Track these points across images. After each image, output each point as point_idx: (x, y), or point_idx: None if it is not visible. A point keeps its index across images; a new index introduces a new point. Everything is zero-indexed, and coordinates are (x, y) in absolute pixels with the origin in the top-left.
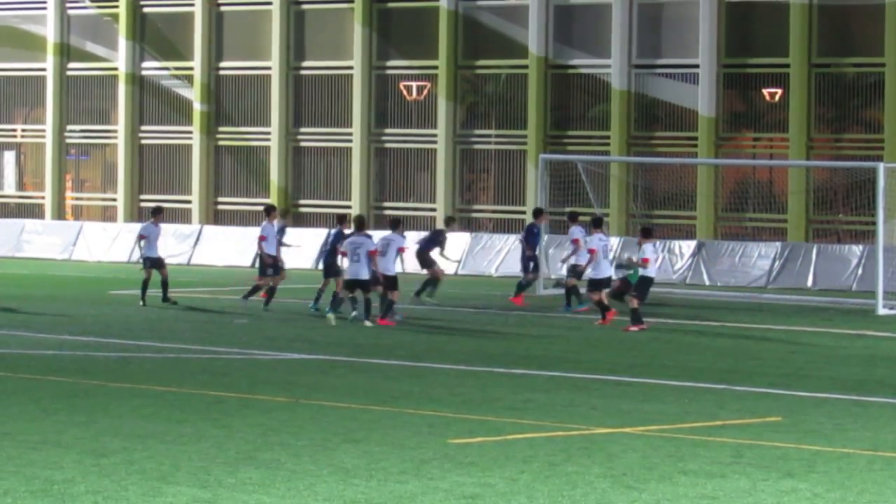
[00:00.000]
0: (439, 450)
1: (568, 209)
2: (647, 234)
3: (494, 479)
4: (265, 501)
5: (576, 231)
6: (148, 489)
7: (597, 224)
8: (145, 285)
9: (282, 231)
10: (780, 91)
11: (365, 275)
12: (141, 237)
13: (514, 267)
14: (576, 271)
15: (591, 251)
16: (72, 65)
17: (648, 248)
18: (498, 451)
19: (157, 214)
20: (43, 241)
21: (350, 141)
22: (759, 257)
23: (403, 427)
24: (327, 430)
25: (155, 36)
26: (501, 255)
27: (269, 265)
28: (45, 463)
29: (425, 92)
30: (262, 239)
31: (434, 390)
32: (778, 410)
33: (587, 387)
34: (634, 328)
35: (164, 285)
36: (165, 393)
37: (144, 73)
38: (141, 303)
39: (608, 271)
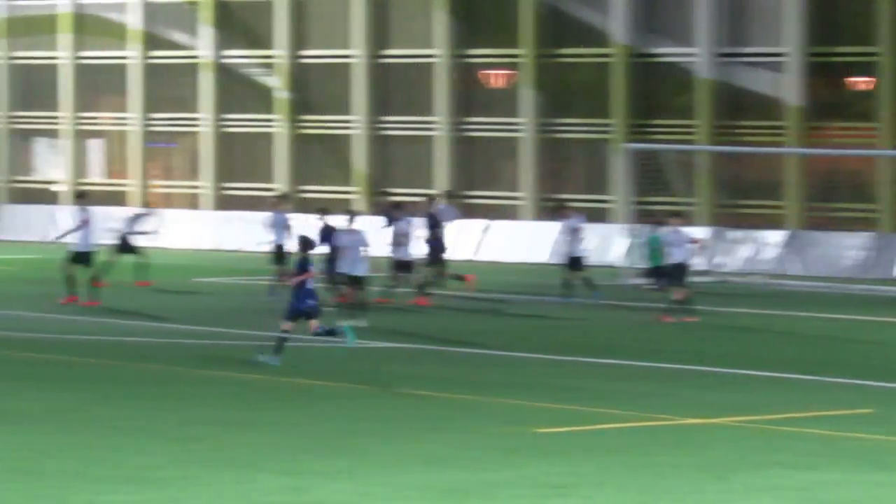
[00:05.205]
0: (527, 439)
1: (653, 199)
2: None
3: (583, 468)
4: (354, 489)
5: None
6: (238, 476)
7: (557, 209)
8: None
9: (138, 219)
10: (869, 79)
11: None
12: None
13: (601, 256)
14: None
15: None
16: (154, 53)
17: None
18: (586, 440)
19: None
20: None
21: (433, 129)
22: (849, 248)
23: (491, 416)
24: (415, 418)
25: (237, 24)
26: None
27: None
28: (136, 449)
29: (509, 80)
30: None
31: (521, 379)
32: (869, 402)
33: (674, 377)
34: (671, 319)
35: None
36: (254, 381)
37: (226, 61)
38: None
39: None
